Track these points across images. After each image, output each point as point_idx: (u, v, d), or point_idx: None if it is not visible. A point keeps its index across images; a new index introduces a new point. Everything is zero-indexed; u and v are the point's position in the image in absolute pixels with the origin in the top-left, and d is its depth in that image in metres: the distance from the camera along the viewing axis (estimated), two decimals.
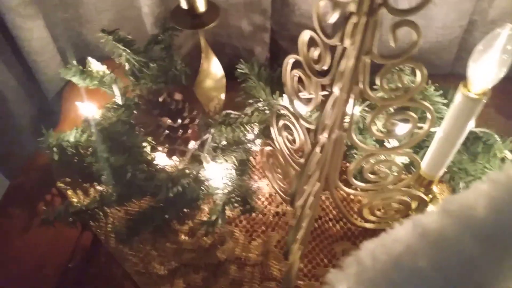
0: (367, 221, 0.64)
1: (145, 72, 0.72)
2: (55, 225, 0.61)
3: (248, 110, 0.68)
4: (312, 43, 0.43)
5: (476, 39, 0.82)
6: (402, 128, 0.50)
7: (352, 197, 0.68)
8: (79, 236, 0.65)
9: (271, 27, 0.84)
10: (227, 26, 0.85)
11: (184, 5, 0.55)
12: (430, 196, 0.67)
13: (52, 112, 0.93)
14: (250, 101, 0.66)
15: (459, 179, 0.68)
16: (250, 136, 0.67)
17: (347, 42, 0.38)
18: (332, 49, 0.42)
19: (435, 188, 0.69)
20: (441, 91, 0.72)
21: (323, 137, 0.43)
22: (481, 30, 0.80)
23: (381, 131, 0.48)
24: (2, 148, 0.93)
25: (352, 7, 0.35)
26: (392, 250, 0.39)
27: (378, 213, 0.63)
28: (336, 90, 0.41)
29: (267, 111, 0.66)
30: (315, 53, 0.43)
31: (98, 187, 0.70)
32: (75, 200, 0.69)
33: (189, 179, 0.57)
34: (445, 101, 0.69)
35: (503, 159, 0.66)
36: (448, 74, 0.89)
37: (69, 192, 0.70)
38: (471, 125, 0.53)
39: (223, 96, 0.71)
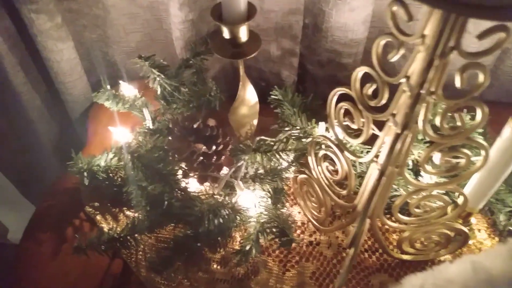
0: (405, 252, 0.63)
1: (176, 96, 0.71)
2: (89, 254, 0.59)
3: (282, 136, 0.68)
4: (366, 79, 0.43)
5: (507, 67, 0.82)
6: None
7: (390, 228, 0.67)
8: (110, 263, 0.64)
9: (300, 51, 0.83)
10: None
11: (226, 35, 0.55)
12: (468, 228, 0.66)
13: (77, 132, 0.93)
14: (287, 128, 0.65)
15: (497, 211, 0.67)
16: (284, 163, 0.66)
17: (412, 82, 0.37)
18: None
19: (473, 219, 0.67)
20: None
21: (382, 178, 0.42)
22: None
23: (434, 168, 0.47)
24: (25, 168, 0.92)
25: (422, 49, 0.35)
26: None
27: (417, 245, 0.61)
28: (395, 128, 0.40)
29: (303, 139, 0.65)
30: (370, 89, 0.42)
31: (128, 212, 0.69)
32: (104, 226, 0.67)
33: (228, 210, 0.56)
34: (480, 130, 0.69)
35: None
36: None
37: (98, 217, 0.68)
38: None
39: (255, 122, 0.71)
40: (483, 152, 0.45)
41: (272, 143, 0.65)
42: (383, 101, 0.42)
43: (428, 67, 0.35)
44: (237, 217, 0.60)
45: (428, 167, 0.46)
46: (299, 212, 0.69)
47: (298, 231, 0.68)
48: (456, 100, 0.38)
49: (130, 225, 0.62)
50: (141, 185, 0.57)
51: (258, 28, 0.80)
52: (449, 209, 0.58)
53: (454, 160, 0.45)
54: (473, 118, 0.42)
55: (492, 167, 0.54)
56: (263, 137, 0.68)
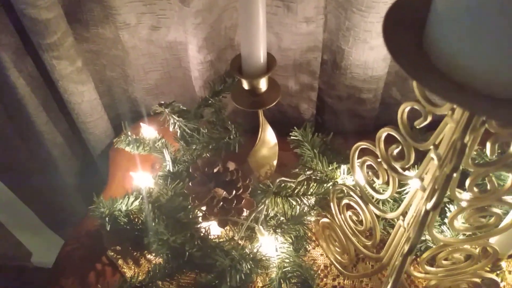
0: None
1: (195, 137, 0.72)
2: None
3: (302, 178, 0.67)
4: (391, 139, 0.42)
5: None
6: None
7: None
8: None
9: (318, 86, 0.83)
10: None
11: (246, 86, 0.55)
12: (498, 271, 0.63)
13: (99, 170, 0.94)
14: (308, 172, 0.65)
15: None
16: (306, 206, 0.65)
17: (441, 151, 0.36)
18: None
19: (503, 264, 0.65)
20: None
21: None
22: None
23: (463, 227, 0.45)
24: (50, 204, 0.93)
25: (451, 121, 0.34)
26: None
27: None
28: (423, 192, 0.39)
29: (323, 183, 0.64)
30: (395, 151, 0.41)
31: (149, 256, 0.69)
32: (126, 270, 0.68)
33: (249, 263, 0.55)
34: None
35: None
36: None
37: (120, 262, 0.69)
38: None
39: (275, 162, 0.70)
40: None
41: (293, 185, 0.64)
42: (410, 164, 0.41)
43: (459, 139, 0.34)
44: (260, 265, 0.60)
45: (457, 224, 0.45)
46: (322, 255, 0.68)
47: (321, 275, 0.66)
48: (486, 167, 0.37)
49: (151, 273, 0.62)
50: (163, 236, 0.57)
51: (276, 65, 0.80)
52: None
53: (483, 220, 0.43)
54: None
55: None
56: (283, 179, 0.68)
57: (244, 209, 0.67)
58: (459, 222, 0.46)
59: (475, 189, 0.39)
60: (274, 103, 0.57)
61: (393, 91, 0.83)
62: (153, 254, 0.68)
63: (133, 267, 0.68)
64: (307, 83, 0.82)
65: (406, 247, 0.42)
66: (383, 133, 0.42)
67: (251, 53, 0.51)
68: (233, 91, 0.58)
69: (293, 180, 0.67)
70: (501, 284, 0.64)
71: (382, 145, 0.43)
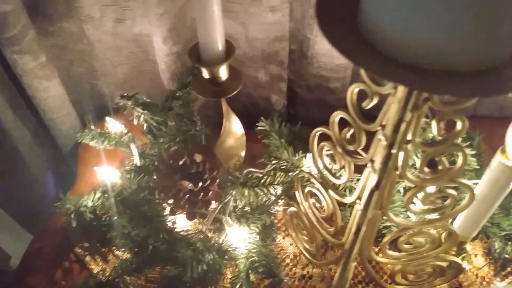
0: (399, 284, 0.61)
1: (163, 131, 0.71)
2: None
3: (270, 168, 0.67)
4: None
5: None
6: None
7: None
8: None
9: (288, 76, 0.83)
10: (244, 76, 0.84)
11: (206, 75, 0.54)
12: (463, 255, 0.64)
13: (68, 167, 0.92)
14: (273, 161, 0.64)
15: (493, 235, 0.65)
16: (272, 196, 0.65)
17: (387, 132, 0.36)
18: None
19: (468, 246, 0.66)
20: (469, 142, 0.70)
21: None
22: None
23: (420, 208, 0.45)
24: (23, 203, 0.92)
25: (394, 101, 0.34)
26: None
27: (410, 276, 0.60)
28: (375, 174, 0.39)
29: (290, 172, 0.64)
30: (348, 134, 0.41)
31: (117, 252, 0.68)
32: (94, 267, 0.66)
33: (213, 254, 0.54)
34: (473, 152, 0.68)
35: None
36: (471, 116, 0.87)
37: (88, 258, 0.68)
38: (510, 188, 0.51)
39: (243, 153, 0.70)
40: (468, 193, 0.44)
41: (260, 175, 0.64)
42: (361, 146, 0.41)
43: (401, 119, 0.34)
44: (226, 256, 0.59)
45: (414, 207, 0.45)
46: (291, 244, 0.68)
47: (291, 264, 0.66)
48: (434, 147, 0.37)
49: (117, 268, 0.61)
50: (125, 230, 0.56)
51: (245, 56, 0.80)
52: (442, 239, 0.56)
53: (439, 201, 0.44)
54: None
55: (483, 197, 0.53)
56: (251, 169, 0.67)
57: (213, 201, 0.66)
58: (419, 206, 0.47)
59: (426, 170, 0.39)
60: (235, 92, 0.56)
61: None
62: (121, 250, 0.67)
63: (101, 264, 0.67)
64: (277, 73, 0.82)
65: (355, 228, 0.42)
66: (336, 116, 0.42)
67: (208, 41, 0.50)
68: (195, 81, 0.57)
69: (261, 171, 0.66)
70: (467, 267, 0.65)
71: (336, 129, 0.43)
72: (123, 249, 0.62)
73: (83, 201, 0.66)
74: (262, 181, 0.63)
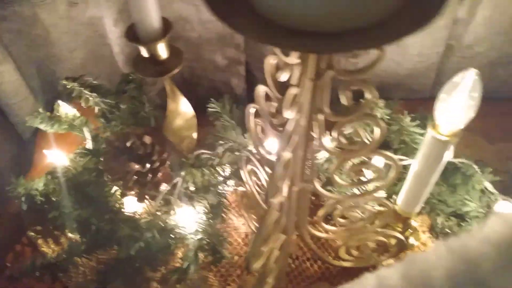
0: (344, 260, 0.62)
1: (116, 114, 0.71)
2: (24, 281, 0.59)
3: (220, 150, 0.67)
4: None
5: (454, 63, 0.81)
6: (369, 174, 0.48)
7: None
8: None
9: (246, 59, 0.83)
10: (202, 60, 0.84)
11: (145, 53, 0.54)
12: (410, 230, 0.65)
13: (29, 154, 0.92)
14: (221, 142, 0.65)
15: (439, 211, 0.66)
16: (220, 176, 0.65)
17: (301, 102, 0.36)
18: None
19: (414, 222, 0.67)
20: (417, 121, 0.70)
21: (280, 196, 0.41)
22: (458, 54, 0.79)
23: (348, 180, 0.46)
24: None
25: (299, 70, 0.34)
26: None
27: (354, 252, 0.61)
28: (288, 149, 0.40)
29: (237, 152, 0.64)
30: (271, 107, 0.42)
31: (70, 235, 0.68)
32: (45, 250, 0.67)
33: (152, 232, 0.55)
34: (422, 131, 0.68)
35: (482, 191, 0.64)
36: (428, 98, 0.88)
37: (40, 242, 0.68)
38: (444, 163, 0.52)
39: (195, 135, 0.70)
40: (393, 166, 0.45)
41: (209, 157, 0.64)
42: (284, 120, 0.41)
43: (312, 90, 0.34)
44: (172, 236, 0.60)
45: (339, 179, 0.45)
46: (243, 224, 0.69)
47: (242, 243, 0.67)
48: (345, 117, 0.37)
49: (66, 249, 0.62)
50: (65, 210, 0.56)
51: (200, 39, 0.80)
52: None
53: (364, 171, 0.44)
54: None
55: (419, 172, 0.54)
56: (202, 151, 0.67)
57: (163, 183, 0.67)
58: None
59: (344, 141, 0.40)
60: (176, 71, 0.56)
61: None
62: (74, 233, 0.67)
63: (52, 247, 0.68)
64: (234, 56, 0.82)
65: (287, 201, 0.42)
66: (259, 90, 0.42)
67: (141, 18, 0.50)
68: (136, 61, 0.57)
69: (211, 152, 0.67)
70: (415, 243, 0.66)
71: (262, 102, 0.43)
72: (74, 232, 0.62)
73: (34, 185, 0.66)
74: (210, 162, 0.63)
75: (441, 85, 0.89)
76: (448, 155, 0.51)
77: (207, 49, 0.82)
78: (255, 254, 0.39)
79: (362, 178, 0.47)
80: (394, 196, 0.63)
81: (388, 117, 0.68)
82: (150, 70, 0.56)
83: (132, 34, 0.53)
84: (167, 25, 0.54)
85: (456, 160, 0.66)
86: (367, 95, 0.36)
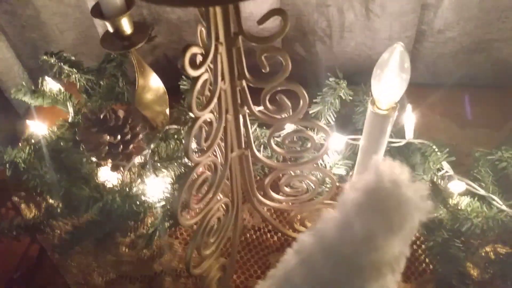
0: (300, 232, 0.65)
1: (97, 90, 0.75)
2: (2, 240, 0.64)
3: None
4: None
5: (427, 49, 0.82)
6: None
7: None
8: (27, 248, 0.68)
9: None
10: (182, 42, 0.87)
11: (110, 29, 0.58)
12: None
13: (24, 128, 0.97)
14: (188, 116, 0.68)
15: None
16: None
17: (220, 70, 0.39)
18: None
19: None
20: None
21: (212, 157, 0.44)
22: (430, 40, 0.80)
23: (283, 148, 0.49)
24: None
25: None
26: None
27: (308, 224, 0.63)
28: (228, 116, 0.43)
29: None
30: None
31: (50, 200, 0.74)
32: (27, 213, 0.72)
33: (113, 195, 0.59)
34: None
35: (439, 170, 0.66)
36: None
37: (22, 206, 0.73)
38: (387, 136, 0.54)
39: (168, 111, 0.74)
40: (324, 134, 0.47)
41: (176, 131, 0.68)
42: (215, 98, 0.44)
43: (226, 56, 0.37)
44: (138, 202, 0.64)
45: (275, 146, 0.48)
46: None
47: None
48: (270, 83, 0.40)
49: (44, 211, 0.67)
50: (39, 174, 0.61)
51: (180, 21, 0.83)
52: None
53: (298, 142, 0.47)
54: None
55: (366, 147, 0.56)
56: (173, 126, 0.71)
57: (135, 155, 0.71)
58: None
59: (270, 106, 0.43)
60: (142, 43, 0.60)
61: (296, 47, 0.85)
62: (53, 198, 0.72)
63: (34, 210, 0.73)
64: None
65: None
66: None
67: None
68: (103, 36, 0.61)
69: (179, 127, 0.70)
70: None
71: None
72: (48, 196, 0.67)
73: (18, 153, 0.71)
74: (176, 135, 0.67)
75: (415, 70, 0.90)
76: (387, 136, 0.53)
77: (187, 30, 0.85)
78: (173, 206, 0.42)
79: (297, 148, 0.50)
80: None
81: (350, 98, 0.70)
82: (117, 45, 0.60)
83: (99, 11, 0.57)
84: (129, 1, 0.57)
85: (417, 141, 0.68)
86: (283, 62, 0.39)
